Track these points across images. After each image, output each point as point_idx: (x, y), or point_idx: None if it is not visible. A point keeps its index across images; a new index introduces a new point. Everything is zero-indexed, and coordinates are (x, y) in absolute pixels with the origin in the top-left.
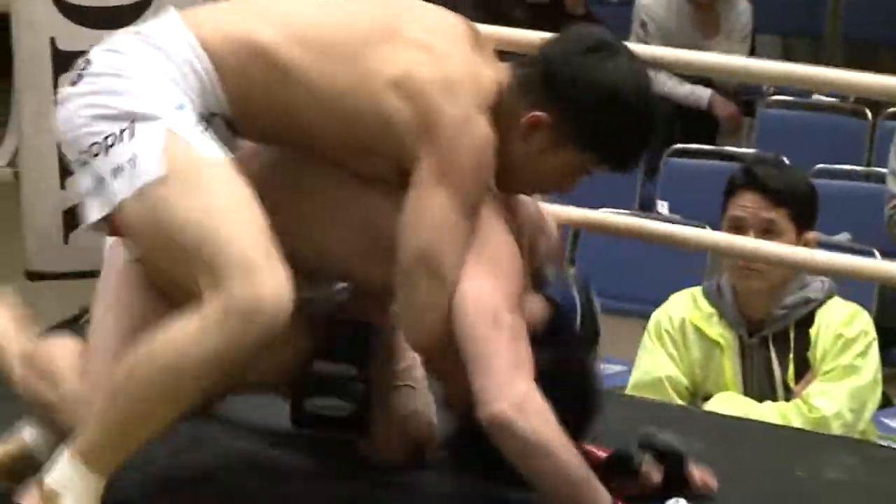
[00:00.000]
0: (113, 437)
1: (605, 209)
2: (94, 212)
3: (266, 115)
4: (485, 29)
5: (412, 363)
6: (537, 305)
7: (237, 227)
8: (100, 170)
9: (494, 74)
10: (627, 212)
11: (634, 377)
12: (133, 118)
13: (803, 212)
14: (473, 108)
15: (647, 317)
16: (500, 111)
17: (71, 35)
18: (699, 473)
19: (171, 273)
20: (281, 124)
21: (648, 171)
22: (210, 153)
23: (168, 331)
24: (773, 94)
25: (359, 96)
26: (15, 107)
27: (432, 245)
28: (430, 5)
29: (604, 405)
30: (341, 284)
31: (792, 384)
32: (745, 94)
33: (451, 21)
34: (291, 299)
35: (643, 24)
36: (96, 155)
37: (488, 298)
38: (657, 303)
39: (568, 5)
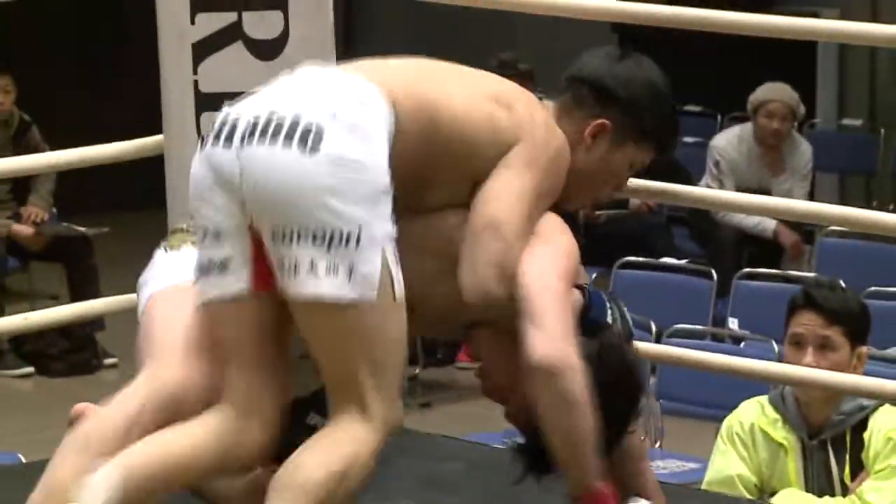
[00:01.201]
0: None
1: (682, 324)
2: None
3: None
4: None
5: None
6: (576, 295)
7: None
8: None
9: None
10: (702, 327)
11: (709, 475)
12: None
13: (856, 329)
14: (550, 119)
15: (719, 420)
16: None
17: None
18: None
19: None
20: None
21: (720, 291)
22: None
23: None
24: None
25: (484, 116)
26: None
27: (507, 214)
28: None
29: (643, 396)
30: None
31: (848, 482)
32: (807, 224)
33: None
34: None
35: (717, 163)
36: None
37: (550, 267)
38: (728, 408)
39: None
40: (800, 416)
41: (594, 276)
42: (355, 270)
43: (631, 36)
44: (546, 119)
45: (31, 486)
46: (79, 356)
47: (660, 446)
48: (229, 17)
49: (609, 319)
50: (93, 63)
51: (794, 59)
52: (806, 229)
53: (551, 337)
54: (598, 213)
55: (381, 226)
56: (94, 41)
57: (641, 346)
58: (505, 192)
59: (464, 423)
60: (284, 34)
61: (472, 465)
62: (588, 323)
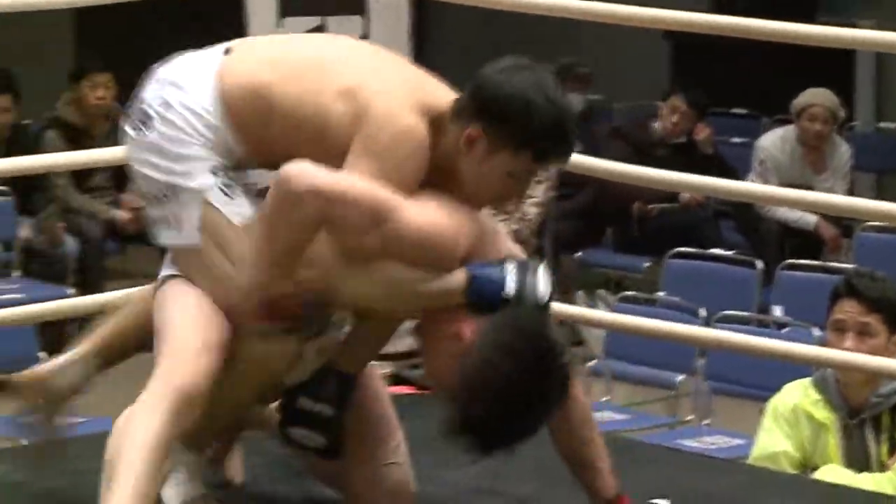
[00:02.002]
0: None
1: (729, 310)
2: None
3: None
4: (626, 170)
5: (400, 441)
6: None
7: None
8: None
9: (440, 98)
10: (747, 314)
11: (755, 451)
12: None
13: (894, 316)
14: (405, 109)
15: (764, 400)
16: (447, 134)
17: None
18: None
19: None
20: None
21: (764, 280)
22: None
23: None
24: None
25: (315, 109)
26: None
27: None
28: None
29: (560, 357)
30: (344, 328)
31: (885, 459)
32: (846, 219)
33: (404, 62)
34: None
35: (762, 162)
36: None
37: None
38: (772, 389)
39: (699, 145)
40: (840, 398)
41: (646, 265)
42: (178, 219)
43: (682, 44)
44: (395, 106)
45: None
46: None
47: (708, 424)
48: (313, 22)
49: (511, 290)
50: None
51: (833, 66)
52: (845, 224)
53: (308, 170)
54: (650, 206)
55: (196, 180)
56: (187, 43)
57: (691, 330)
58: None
59: None
60: (364, 37)
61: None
62: (479, 298)
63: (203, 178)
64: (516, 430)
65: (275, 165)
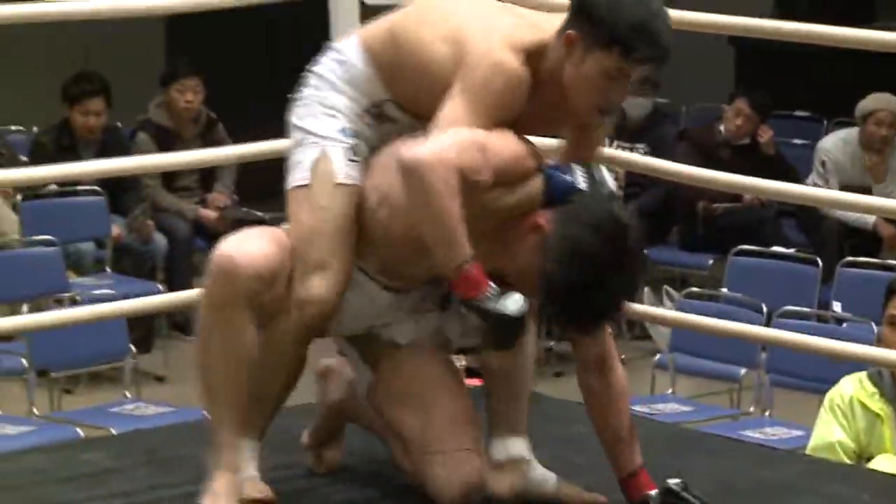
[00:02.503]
0: None
1: (790, 306)
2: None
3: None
4: (693, 172)
5: (480, 435)
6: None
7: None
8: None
9: (540, 35)
10: (808, 309)
11: (813, 442)
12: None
13: None
14: (499, 47)
15: (822, 392)
16: (552, 53)
17: None
18: None
19: None
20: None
21: (824, 277)
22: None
23: None
24: None
25: (429, 53)
26: None
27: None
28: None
29: (632, 240)
30: None
31: None
32: None
33: (513, 7)
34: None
35: (823, 163)
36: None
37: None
38: (830, 382)
39: (762, 146)
40: (895, 390)
41: (710, 262)
42: (297, 164)
43: (746, 48)
44: (494, 46)
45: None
46: None
47: (769, 415)
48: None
49: (582, 185)
50: (276, 69)
51: (892, 70)
52: None
53: (427, 146)
54: (714, 206)
55: (322, 128)
56: (272, 48)
57: (754, 328)
58: (443, 119)
59: None
60: None
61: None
62: (555, 193)
63: (332, 131)
64: (599, 301)
65: (414, 106)
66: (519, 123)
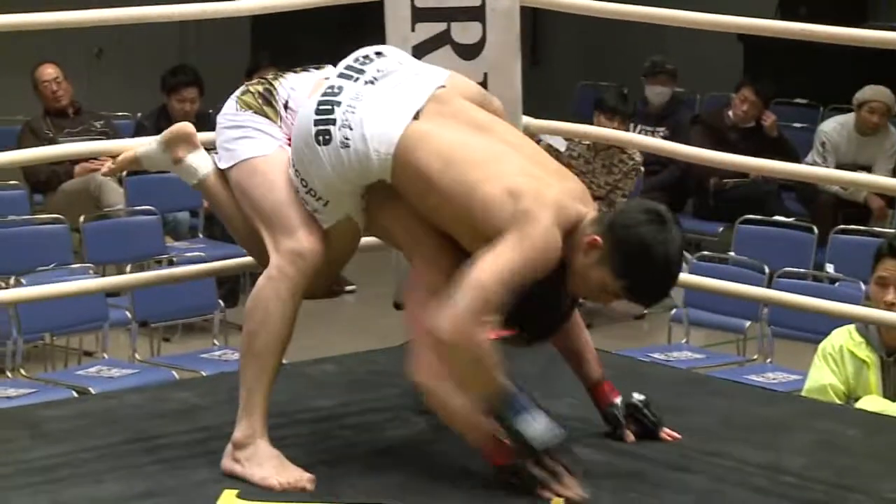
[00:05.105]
0: None
1: (789, 267)
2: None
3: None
4: (706, 154)
5: None
6: None
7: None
8: None
9: (581, 210)
10: (804, 270)
11: (807, 385)
12: None
13: None
14: (551, 221)
15: (817, 342)
16: (578, 232)
17: None
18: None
19: None
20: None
21: (819, 242)
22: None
23: None
24: None
25: (481, 197)
26: None
27: (488, 276)
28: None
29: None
30: None
31: None
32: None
33: (566, 171)
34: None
35: (822, 144)
36: None
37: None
38: (824, 333)
39: (766, 129)
40: (880, 340)
41: (720, 229)
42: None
43: (753, 44)
44: (547, 217)
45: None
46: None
47: (771, 362)
48: (440, 27)
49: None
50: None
51: (883, 64)
52: (890, 196)
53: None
54: (724, 181)
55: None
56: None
57: (756, 289)
58: (492, 262)
59: (617, 340)
60: (482, 40)
61: (621, 373)
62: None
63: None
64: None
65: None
66: None
